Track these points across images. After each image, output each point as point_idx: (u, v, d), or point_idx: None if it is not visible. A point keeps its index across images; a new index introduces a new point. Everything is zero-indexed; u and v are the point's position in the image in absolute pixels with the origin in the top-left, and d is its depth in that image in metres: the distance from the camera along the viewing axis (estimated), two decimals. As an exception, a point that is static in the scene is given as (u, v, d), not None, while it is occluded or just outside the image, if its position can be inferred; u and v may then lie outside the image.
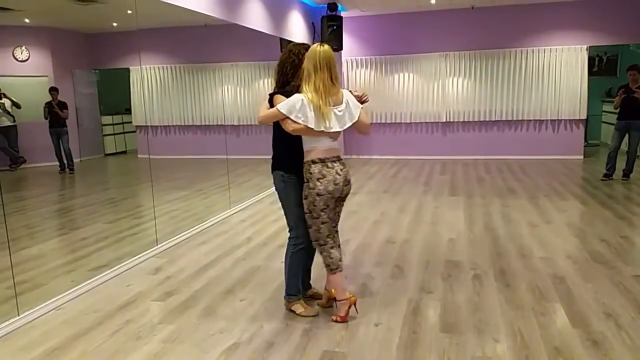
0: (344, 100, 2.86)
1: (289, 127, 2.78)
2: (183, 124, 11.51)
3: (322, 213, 2.85)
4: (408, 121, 10.13)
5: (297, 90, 2.85)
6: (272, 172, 3.04)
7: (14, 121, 5.90)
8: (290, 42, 8.34)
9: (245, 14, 6.38)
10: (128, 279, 3.79)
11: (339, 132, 2.87)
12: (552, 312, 3.04)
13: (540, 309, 3.08)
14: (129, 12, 8.51)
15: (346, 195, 3.00)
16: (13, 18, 8.20)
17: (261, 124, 2.92)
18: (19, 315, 3.04)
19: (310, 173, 2.82)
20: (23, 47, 8.54)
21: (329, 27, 8.67)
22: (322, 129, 2.77)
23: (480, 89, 9.68)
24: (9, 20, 8.27)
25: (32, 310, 3.12)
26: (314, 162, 2.82)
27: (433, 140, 10.16)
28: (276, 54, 8.77)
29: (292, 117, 2.73)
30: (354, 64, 10.19)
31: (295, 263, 3.07)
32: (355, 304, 3.00)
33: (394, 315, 3.04)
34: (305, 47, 2.94)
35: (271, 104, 2.87)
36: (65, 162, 6.94)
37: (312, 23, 8.93)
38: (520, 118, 9.58)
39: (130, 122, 12.33)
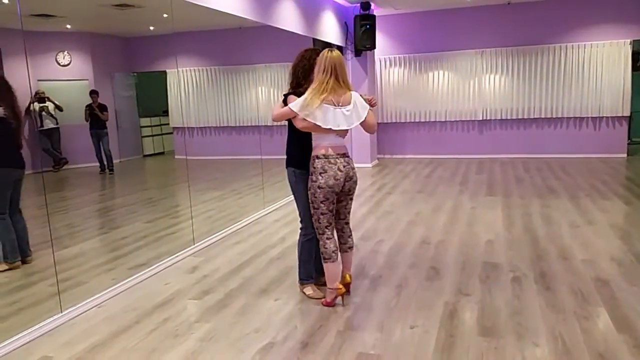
0: (352, 101, 3.06)
1: (299, 124, 3.01)
2: (218, 125, 11.70)
3: (322, 205, 3.08)
4: (443, 119, 9.99)
5: None
6: (286, 168, 3.30)
7: (57, 124, 6.09)
8: (323, 42, 8.35)
9: (279, 15, 6.41)
10: (166, 278, 3.86)
11: (346, 130, 3.08)
12: (595, 317, 2.93)
13: (583, 313, 2.98)
14: (165, 15, 8.69)
15: (350, 191, 3.19)
16: (56, 24, 8.50)
17: (275, 121, 3.19)
18: (62, 312, 3.13)
19: (314, 167, 3.06)
20: (65, 52, 8.84)
21: (361, 26, 8.62)
22: (330, 126, 2.98)
23: (518, 86, 9.46)
24: (52, 26, 8.57)
25: (74, 308, 3.21)
26: (318, 157, 3.06)
27: (469, 139, 9.99)
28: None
29: (302, 114, 2.95)
30: (388, 62, 10.12)
31: (305, 251, 3.35)
32: (342, 296, 3.22)
33: (430, 318, 3.00)
34: (316, 51, 3.14)
35: (285, 103, 3.10)
36: (105, 163, 7.13)
37: (345, 23, 8.91)
38: (559, 115, 9.31)
39: (168, 124, 12.60)
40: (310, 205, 3.13)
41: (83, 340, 2.85)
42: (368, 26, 8.69)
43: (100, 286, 3.59)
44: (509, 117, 9.60)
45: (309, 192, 3.12)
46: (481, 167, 8.70)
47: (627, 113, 9.02)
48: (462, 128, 10.03)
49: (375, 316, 3.05)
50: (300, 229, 3.36)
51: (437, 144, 10.15)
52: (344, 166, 3.08)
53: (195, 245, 4.56)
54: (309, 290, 3.37)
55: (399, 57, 10.04)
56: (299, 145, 3.17)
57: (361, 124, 3.11)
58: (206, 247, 4.64)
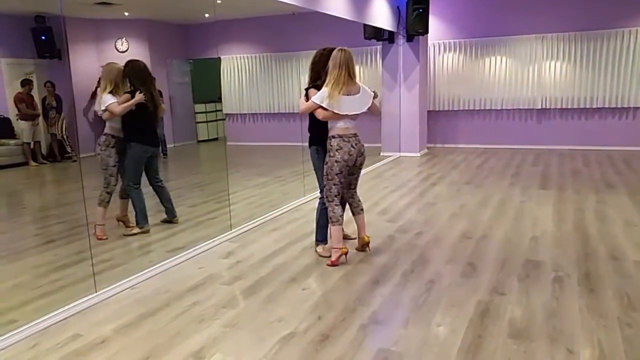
0: (361, 90, 3.69)
1: (320, 115, 3.63)
2: (269, 111, 11.79)
3: (336, 177, 3.66)
4: (499, 108, 9.60)
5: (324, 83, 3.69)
6: (309, 147, 3.95)
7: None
8: (374, 27, 8.17)
9: (329, 1, 6.30)
10: (201, 262, 3.93)
11: (357, 115, 3.70)
12: (641, 324, 2.72)
13: (627, 320, 2.77)
14: (219, 1, 8.78)
15: (361, 165, 3.81)
16: (114, 12, 8.79)
17: (302, 114, 3.79)
18: (96, 292, 3.25)
19: (331, 145, 3.66)
20: (124, 39, 9.14)
21: (414, 11, 8.36)
22: (344, 112, 3.59)
23: (581, 73, 8.92)
24: (111, 14, 8.87)
25: (108, 288, 3.33)
26: (334, 137, 3.66)
27: (526, 129, 9.55)
28: (360, 40, 8.67)
29: (324, 105, 3.57)
30: (441, 47, 9.80)
31: (323, 217, 3.92)
32: (346, 255, 3.74)
33: (459, 316, 2.88)
34: (330, 49, 3.70)
35: (307, 97, 3.73)
36: (160, 147, 7.36)
37: (397, 7, 8.68)
38: (625, 105, 8.72)
39: (222, 110, 12.82)
40: (325, 176, 3.71)
41: (113, 321, 2.95)
42: (421, 10, 8.42)
43: (136, 268, 3.70)
44: (569, 107, 9.09)
45: (326, 166, 3.69)
46: (537, 158, 8.29)
47: (703, 103, 8.31)
48: (519, 117, 9.60)
49: (402, 312, 2.96)
50: (320, 197, 3.96)
51: (491, 134, 9.77)
52: (355, 144, 3.69)
53: (233, 230, 4.62)
54: (320, 249, 3.97)
55: (453, 42, 9.70)
56: (318, 127, 3.77)
57: (369, 109, 3.76)
58: (244, 232, 4.69)
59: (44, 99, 7.46)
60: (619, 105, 8.75)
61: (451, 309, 2.99)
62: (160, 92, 7.36)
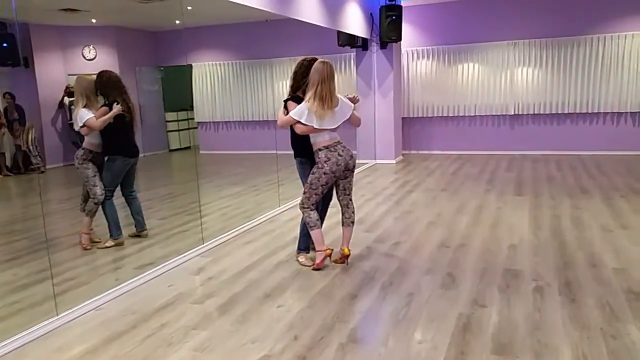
0: (340, 103, 3.66)
1: (298, 129, 3.63)
2: (243, 119, 11.61)
3: (320, 187, 3.69)
4: (472, 114, 9.64)
5: (304, 93, 3.67)
6: (295, 159, 3.95)
7: (83, 118, 6.10)
8: (348, 34, 8.11)
9: (301, 8, 6.20)
10: (170, 279, 3.75)
11: (337, 127, 3.69)
12: (624, 335, 2.66)
13: (611, 331, 2.71)
14: (189, 8, 8.60)
15: (353, 167, 3.78)
16: (81, 19, 8.51)
17: (280, 128, 3.78)
18: (57, 315, 3.04)
19: (319, 157, 3.66)
20: (91, 47, 8.87)
21: (387, 17, 8.34)
22: (324, 126, 3.58)
23: (552, 79, 9.01)
24: (78, 20, 8.60)
25: (71, 310, 3.12)
26: (320, 150, 3.66)
27: (499, 135, 9.60)
28: (334, 47, 8.59)
29: (302, 120, 3.55)
30: (414, 55, 9.80)
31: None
32: (330, 256, 3.81)
33: (440, 331, 2.78)
34: (312, 60, 3.70)
35: (286, 108, 3.71)
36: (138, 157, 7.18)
37: (371, 14, 8.64)
38: (596, 110, 8.84)
39: (194, 119, 12.56)
40: (309, 185, 3.71)
41: (75, 347, 2.75)
42: (394, 17, 8.40)
43: (102, 287, 3.50)
44: (542, 112, 9.18)
45: (312, 176, 3.68)
46: (511, 164, 8.33)
47: (670, 108, 8.49)
48: (492, 123, 9.65)
49: (382, 328, 2.85)
50: None
51: (465, 140, 9.80)
52: (342, 150, 3.69)
53: (205, 244, 4.44)
54: (302, 258, 3.94)
55: (426, 49, 9.71)
56: (301, 139, 3.77)
57: (348, 120, 3.74)
58: (217, 246, 4.52)
59: (5, 110, 7.17)
60: (589, 111, 8.87)
61: (432, 323, 2.88)
62: (130, 100, 7.15)
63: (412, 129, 10.09)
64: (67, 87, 6.78)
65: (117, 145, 4.40)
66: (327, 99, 3.53)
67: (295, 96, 3.76)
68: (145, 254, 4.33)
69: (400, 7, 8.50)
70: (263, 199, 6.41)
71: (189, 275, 3.82)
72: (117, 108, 4.25)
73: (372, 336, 2.77)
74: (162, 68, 11.79)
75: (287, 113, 3.67)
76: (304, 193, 3.76)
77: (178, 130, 12.11)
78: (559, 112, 9.07)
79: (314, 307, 3.16)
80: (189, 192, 6.97)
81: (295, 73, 3.80)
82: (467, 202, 5.74)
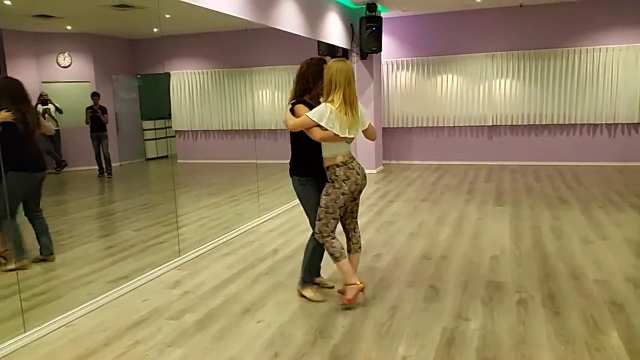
0: (360, 111, 3.21)
1: (316, 134, 3.05)
2: (222, 128, 11.48)
3: (338, 210, 3.19)
4: (451, 125, 9.68)
5: (317, 98, 3.26)
6: (291, 177, 3.37)
7: (57, 126, 5.97)
8: (328, 44, 8.09)
9: (281, 17, 6.16)
10: (145, 293, 3.61)
11: (354, 137, 3.21)
12: (608, 348, 2.63)
13: (595, 344, 2.68)
14: (168, 16, 8.48)
15: (362, 188, 3.29)
16: (56, 25, 8.32)
17: (292, 130, 3.19)
18: (25, 332, 2.89)
19: (336, 175, 3.13)
20: (66, 54, 8.66)
21: (367, 29, 8.35)
22: (346, 135, 3.08)
23: (530, 91, 9.12)
24: (52, 27, 8.40)
25: (40, 327, 2.98)
26: (337, 165, 3.14)
27: (478, 145, 9.66)
28: (314, 57, 8.55)
29: (322, 124, 3.01)
30: (394, 66, 9.83)
31: (316, 255, 3.41)
32: (363, 290, 3.26)
33: (424, 346, 2.71)
34: (322, 60, 3.30)
35: (293, 112, 3.16)
36: (104, 166, 6.99)
37: (351, 24, 8.64)
38: (573, 122, 8.96)
39: (172, 127, 12.38)
40: (324, 209, 3.18)
41: (42, 366, 2.62)
42: (374, 28, 8.42)
43: (74, 302, 3.35)
44: (519, 123, 9.27)
45: (327, 197, 3.16)
46: (490, 174, 8.38)
47: (643, 120, 8.66)
48: (471, 134, 9.71)
49: (364, 344, 2.77)
50: (313, 234, 3.34)
51: (445, 150, 9.84)
52: (359, 168, 3.23)
53: (182, 256, 4.32)
54: (310, 292, 3.41)
55: (406, 60, 9.76)
56: (303, 153, 3.27)
57: (363, 131, 3.27)
58: (194, 258, 4.40)
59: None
60: (566, 122, 8.99)
61: (416, 338, 2.82)
62: (104, 108, 6.99)
63: (393, 139, 10.10)
64: (40, 95, 6.61)
65: (12, 159, 3.77)
66: (354, 104, 3.09)
67: (302, 100, 3.22)
68: (118, 267, 4.19)
69: (380, 18, 8.53)
70: (242, 209, 6.30)
71: (164, 290, 3.69)
72: (1, 115, 3.84)
73: (355, 352, 2.69)
74: (139, 76, 11.60)
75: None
76: (319, 219, 3.20)
77: (155, 139, 11.90)
78: (537, 123, 9.17)
79: (295, 322, 3.07)
80: (165, 202, 6.80)
81: (303, 74, 3.26)
82: (448, 213, 5.72)
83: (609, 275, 3.68)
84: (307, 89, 3.24)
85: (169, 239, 4.85)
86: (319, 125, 3.02)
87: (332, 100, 3.05)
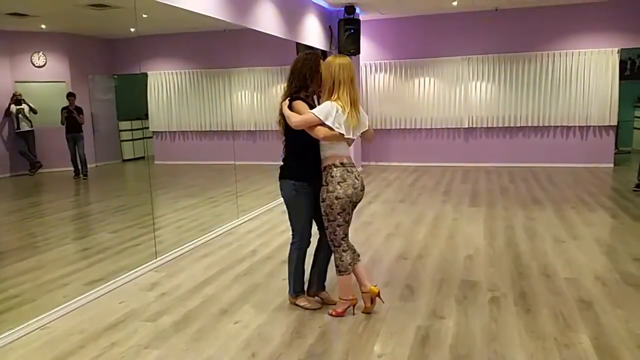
0: (361, 111, 3.07)
1: (320, 133, 2.89)
2: (200, 129, 11.42)
3: (339, 216, 2.98)
4: (428, 127, 9.80)
5: (313, 94, 3.12)
6: (281, 180, 3.15)
7: (32, 126, 5.89)
8: (307, 46, 8.12)
9: (259, 18, 6.17)
10: (122, 295, 3.59)
11: (355, 139, 3.08)
12: (577, 344, 2.72)
13: (564, 340, 2.76)
14: (145, 16, 8.41)
15: (359, 200, 3.10)
16: (30, 24, 8.18)
17: (296, 128, 2.95)
18: (-2, 336, 2.86)
19: (332, 176, 2.96)
20: (40, 53, 8.52)
21: (345, 31, 8.42)
22: (350, 135, 2.96)
23: (505, 93, 9.30)
24: (26, 26, 8.25)
25: (13, 330, 2.94)
26: (335, 165, 2.98)
27: (454, 147, 9.80)
28: (293, 58, 8.58)
29: (328, 123, 2.86)
30: (373, 68, 9.92)
31: (299, 264, 3.25)
32: (354, 307, 3.15)
33: (400, 345, 2.76)
34: (318, 55, 3.15)
35: (290, 108, 3.00)
36: (79, 167, 6.90)
37: (329, 27, 8.70)
38: (546, 124, 9.16)
39: (149, 128, 12.26)
40: (325, 217, 3.01)
41: (15, 370, 2.59)
42: (352, 31, 8.49)
43: (49, 305, 3.32)
44: (495, 125, 9.44)
45: (323, 204, 2.99)
46: (466, 175, 8.51)
47: (614, 122, 8.89)
48: (447, 136, 9.85)
49: (341, 343, 2.81)
50: (293, 242, 3.24)
51: (422, 152, 9.96)
52: (358, 174, 3.07)
53: (159, 258, 4.30)
54: (303, 301, 3.29)
55: (384, 62, 9.85)
56: (302, 156, 3.09)
57: (362, 133, 3.14)
58: (171, 260, 4.38)
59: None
60: (540, 124, 9.18)
61: (392, 336, 2.87)
62: (80, 108, 6.89)
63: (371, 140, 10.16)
64: (14, 95, 6.50)
65: None
66: (357, 104, 2.96)
67: (299, 97, 3.03)
68: (94, 269, 4.15)
69: (359, 20, 8.60)
70: (221, 210, 6.29)
71: (141, 291, 3.68)
72: None
73: (331, 351, 2.72)
74: (116, 76, 11.47)
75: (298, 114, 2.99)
76: (325, 228, 3.06)
77: (132, 140, 11.77)
78: (511, 125, 9.34)
79: (272, 323, 3.09)
80: (142, 204, 6.75)
81: (300, 69, 3.06)
82: (425, 213, 5.80)
83: (579, 273, 3.78)
84: (304, 86, 3.06)
85: (145, 241, 4.82)
86: (322, 124, 2.88)
87: (337, 99, 2.91)
